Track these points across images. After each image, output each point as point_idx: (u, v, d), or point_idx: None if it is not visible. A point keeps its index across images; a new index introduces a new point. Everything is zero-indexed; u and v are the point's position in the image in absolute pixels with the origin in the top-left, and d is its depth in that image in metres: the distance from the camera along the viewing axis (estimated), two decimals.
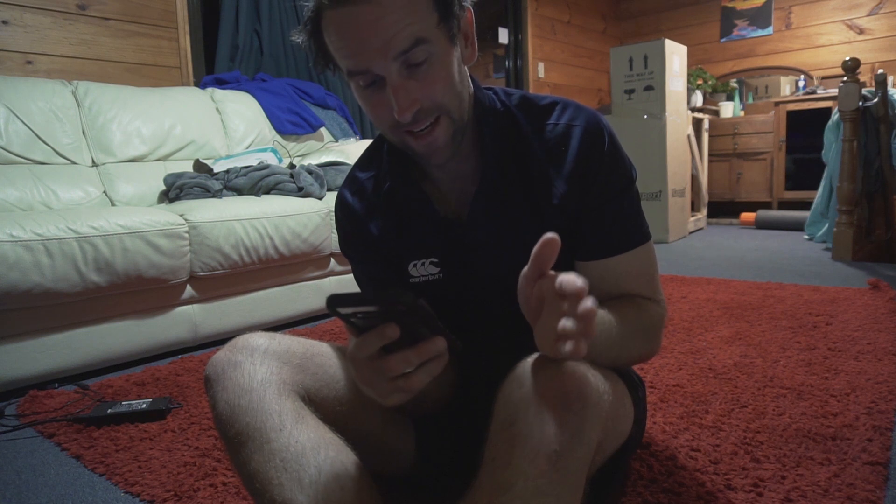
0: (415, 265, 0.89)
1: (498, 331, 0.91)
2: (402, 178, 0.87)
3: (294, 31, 0.77)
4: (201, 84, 2.97)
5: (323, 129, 3.16)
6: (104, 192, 2.29)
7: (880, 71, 3.17)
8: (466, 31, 0.78)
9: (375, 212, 0.90)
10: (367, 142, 3.02)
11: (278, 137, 2.94)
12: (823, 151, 3.52)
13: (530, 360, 0.69)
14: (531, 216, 0.85)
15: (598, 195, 0.83)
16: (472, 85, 0.83)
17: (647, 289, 0.88)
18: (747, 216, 4.73)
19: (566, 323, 0.58)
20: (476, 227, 0.85)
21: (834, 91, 4.11)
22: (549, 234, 0.61)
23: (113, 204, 2.28)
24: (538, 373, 0.66)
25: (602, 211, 0.84)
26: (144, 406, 1.39)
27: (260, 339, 0.81)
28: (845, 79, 3.04)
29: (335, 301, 0.56)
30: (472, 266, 0.87)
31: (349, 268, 2.20)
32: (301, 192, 2.30)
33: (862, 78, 3.24)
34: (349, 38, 0.69)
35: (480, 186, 0.84)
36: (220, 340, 2.00)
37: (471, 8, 0.77)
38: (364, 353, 0.61)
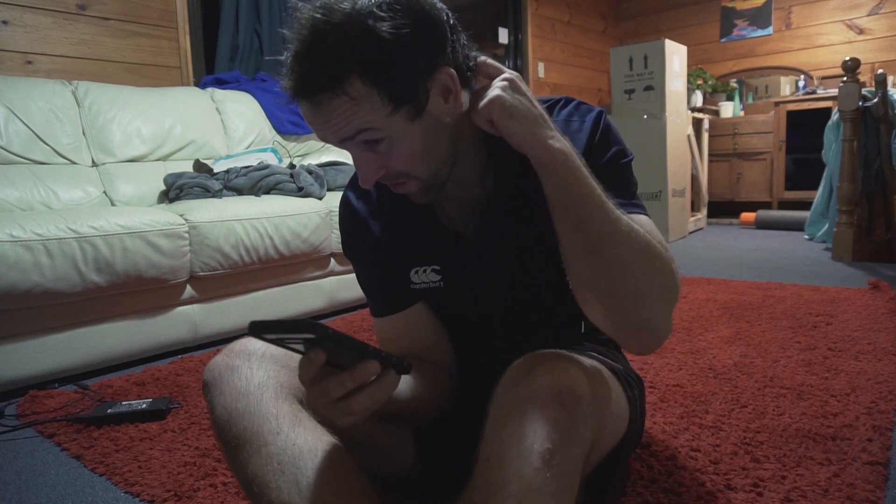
0: (416, 272, 0.89)
1: (496, 335, 0.92)
2: None
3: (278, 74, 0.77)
4: (201, 84, 2.97)
5: None
6: (104, 192, 2.29)
7: (880, 71, 3.17)
8: (445, 88, 0.72)
9: (379, 216, 0.90)
10: None
11: (278, 137, 2.94)
12: (823, 151, 3.52)
13: (525, 359, 0.69)
14: (540, 222, 0.84)
15: (602, 179, 0.76)
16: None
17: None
18: (747, 216, 4.72)
19: None
20: (483, 241, 0.85)
21: (834, 91, 4.11)
22: None
23: (113, 204, 2.28)
24: (531, 372, 0.66)
25: (602, 180, 0.79)
26: (144, 406, 1.39)
27: (257, 343, 0.81)
28: (845, 79, 3.03)
29: (258, 327, 0.58)
30: (475, 276, 0.88)
31: (349, 267, 2.19)
32: (301, 192, 2.30)
33: (862, 78, 3.24)
34: (306, 114, 0.72)
35: (490, 202, 0.84)
36: (220, 340, 2.00)
37: (449, 65, 0.72)
38: (304, 376, 0.64)
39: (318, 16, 0.66)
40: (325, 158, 2.72)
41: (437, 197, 0.82)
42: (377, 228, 0.90)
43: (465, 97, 0.75)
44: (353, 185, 0.94)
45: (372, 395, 0.65)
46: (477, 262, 0.87)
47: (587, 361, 0.74)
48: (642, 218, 0.78)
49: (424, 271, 0.89)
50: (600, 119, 0.83)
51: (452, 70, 0.72)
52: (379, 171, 0.74)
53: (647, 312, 0.72)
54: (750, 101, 5.28)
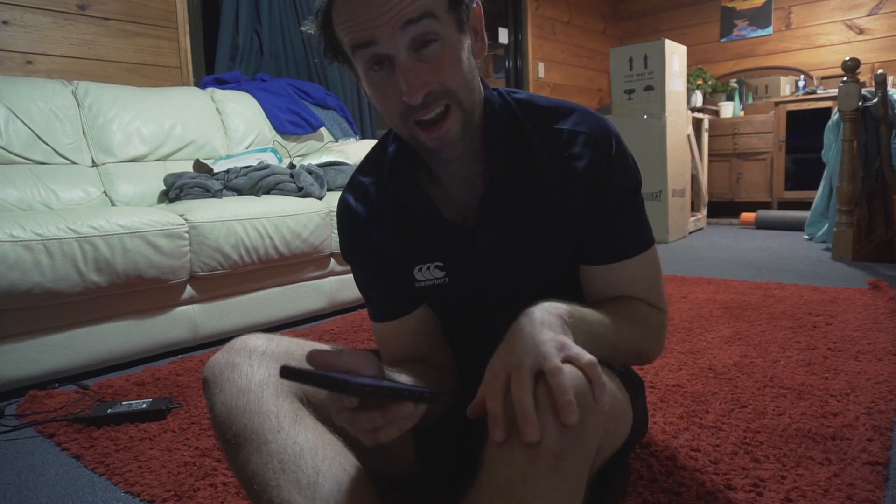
0: (420, 269, 0.89)
1: (501, 333, 0.91)
2: (405, 182, 0.86)
3: (305, 21, 0.77)
4: (201, 84, 2.97)
5: (323, 129, 3.16)
6: (104, 192, 2.30)
7: (880, 71, 3.17)
8: (476, 25, 0.78)
9: (379, 216, 0.89)
10: (367, 142, 3.03)
11: (278, 137, 2.94)
12: (823, 151, 3.52)
13: None
14: (538, 221, 0.84)
15: (606, 202, 0.83)
16: (481, 85, 0.83)
17: (651, 294, 0.89)
18: (747, 216, 4.72)
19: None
20: (483, 233, 0.85)
21: (834, 91, 4.11)
22: None
23: (113, 204, 2.28)
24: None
25: (609, 217, 0.84)
26: (144, 406, 1.39)
27: (258, 340, 0.81)
28: (845, 79, 3.03)
29: (288, 374, 0.57)
30: (478, 270, 0.87)
31: (349, 268, 2.20)
32: (301, 192, 2.30)
33: (862, 78, 3.24)
34: (358, 13, 0.70)
35: (488, 192, 0.84)
36: (220, 340, 2.00)
37: (480, 3, 0.78)
38: (333, 407, 0.64)
39: None
40: (325, 158, 2.72)
41: (464, 155, 0.80)
42: (377, 230, 0.89)
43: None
44: (350, 187, 0.93)
45: (401, 427, 0.65)
46: (480, 255, 0.86)
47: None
48: (643, 261, 0.87)
49: (428, 268, 0.88)
50: (609, 146, 0.83)
51: (481, 9, 0.77)
52: (427, 84, 0.72)
53: (636, 360, 0.92)
54: (750, 101, 5.28)
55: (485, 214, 0.84)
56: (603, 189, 0.83)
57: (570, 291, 0.91)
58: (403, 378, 0.78)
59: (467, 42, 0.76)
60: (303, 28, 0.79)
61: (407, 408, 0.64)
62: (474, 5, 0.77)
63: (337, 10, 0.72)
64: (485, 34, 0.80)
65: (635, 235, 0.86)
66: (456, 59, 0.74)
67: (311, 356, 0.64)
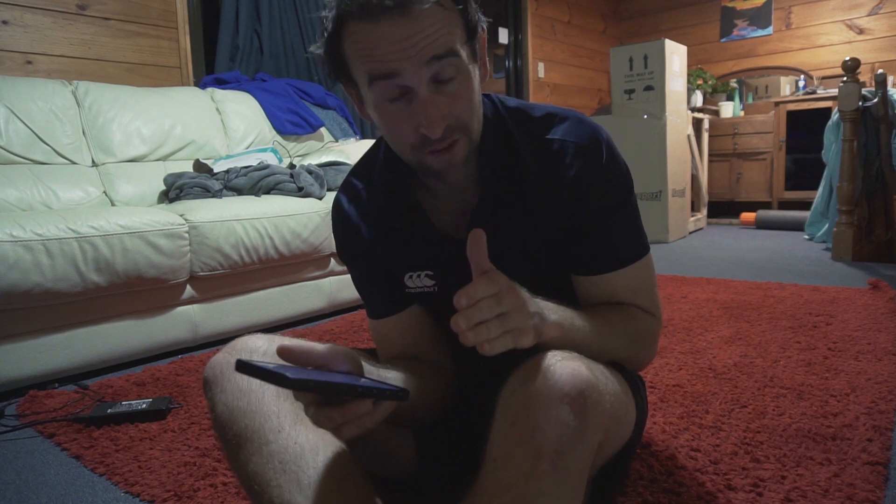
0: (410, 276, 0.89)
1: None
2: (397, 189, 0.86)
3: (314, 45, 0.76)
4: (201, 84, 2.97)
5: (323, 129, 3.16)
6: (104, 192, 2.29)
7: (880, 71, 3.17)
8: (481, 52, 0.78)
9: (370, 220, 0.89)
10: (367, 142, 3.03)
11: (278, 137, 2.94)
12: (823, 151, 3.52)
13: (533, 360, 0.69)
14: (530, 231, 0.84)
15: (596, 210, 0.83)
16: None
17: (645, 303, 0.88)
18: (747, 216, 4.72)
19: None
20: None
21: (834, 91, 4.11)
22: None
23: (113, 204, 2.28)
24: (541, 373, 0.66)
25: (600, 226, 0.83)
26: (144, 406, 1.39)
27: (259, 340, 0.81)
28: (845, 79, 3.03)
29: (241, 367, 0.57)
30: (468, 280, 0.86)
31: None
32: (301, 192, 2.30)
33: (862, 78, 3.24)
34: (380, 44, 0.68)
35: (480, 203, 0.83)
36: (220, 340, 2.00)
37: (485, 28, 0.78)
38: (299, 399, 0.64)
39: None
40: (325, 158, 2.72)
41: (462, 174, 0.81)
42: (369, 233, 0.89)
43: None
44: (344, 188, 0.93)
45: (362, 424, 0.64)
46: (469, 266, 0.86)
47: (597, 363, 0.74)
48: (636, 270, 0.86)
49: (418, 276, 0.88)
50: (598, 155, 0.82)
51: (486, 37, 0.78)
52: (446, 117, 0.72)
53: (637, 366, 0.92)
54: (750, 101, 5.28)
55: (477, 225, 0.84)
56: (593, 199, 0.82)
57: (564, 302, 0.91)
58: (392, 375, 0.78)
59: (477, 71, 0.76)
60: (310, 49, 0.78)
61: (363, 405, 0.63)
62: (482, 33, 0.77)
63: (354, 36, 0.70)
64: (487, 60, 0.80)
65: (627, 245, 0.86)
66: (471, 92, 0.74)
67: (281, 350, 0.63)
